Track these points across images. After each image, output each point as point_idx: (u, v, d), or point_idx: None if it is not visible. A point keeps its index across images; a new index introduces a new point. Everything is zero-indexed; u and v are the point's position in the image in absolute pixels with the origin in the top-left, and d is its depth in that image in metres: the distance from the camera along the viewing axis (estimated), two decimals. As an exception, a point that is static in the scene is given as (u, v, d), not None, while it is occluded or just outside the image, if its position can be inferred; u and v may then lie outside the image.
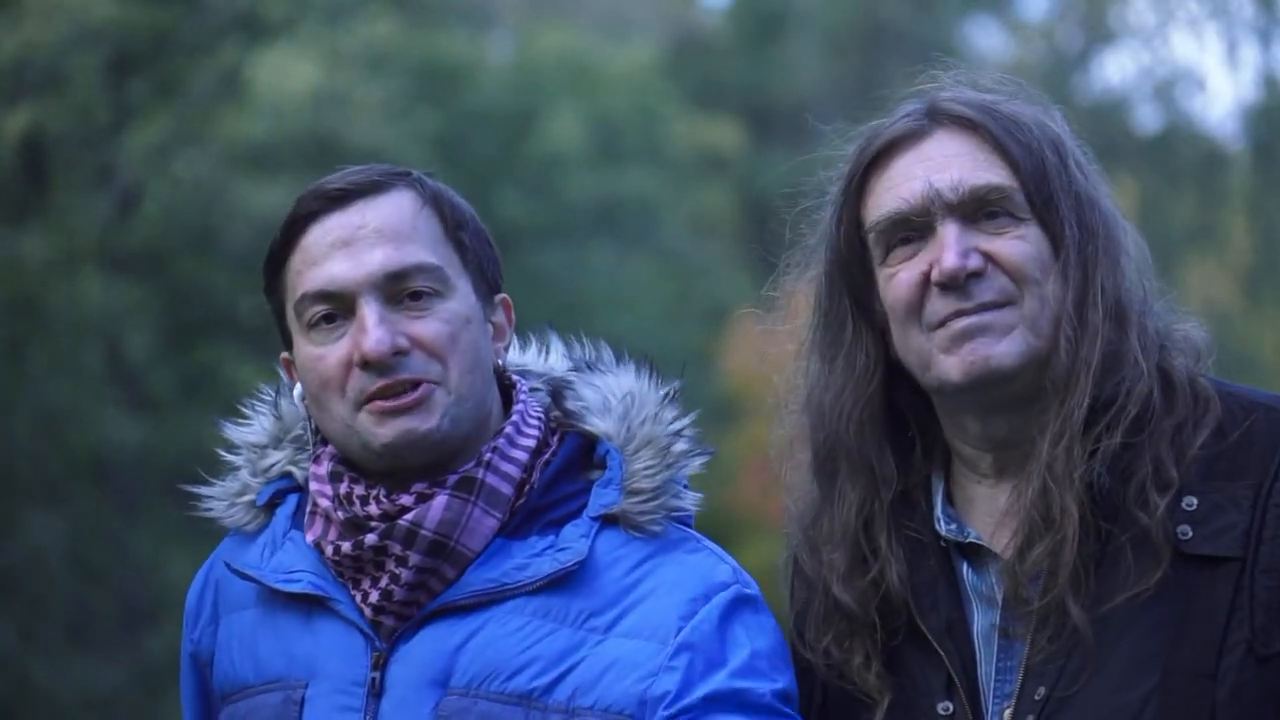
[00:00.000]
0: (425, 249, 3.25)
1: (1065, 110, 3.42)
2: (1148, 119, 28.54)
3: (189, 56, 20.19)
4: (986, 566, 3.30)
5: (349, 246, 3.24)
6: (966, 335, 3.24)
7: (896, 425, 3.39)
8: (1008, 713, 3.22)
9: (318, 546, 3.26)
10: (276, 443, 3.42)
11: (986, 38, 31.08)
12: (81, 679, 18.78)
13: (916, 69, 3.47)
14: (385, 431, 3.20)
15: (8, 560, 18.73)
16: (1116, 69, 29.29)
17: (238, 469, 3.43)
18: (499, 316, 3.35)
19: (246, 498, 3.40)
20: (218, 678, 3.38)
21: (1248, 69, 27.57)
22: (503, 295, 3.37)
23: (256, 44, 20.38)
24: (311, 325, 3.25)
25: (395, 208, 3.27)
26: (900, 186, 3.30)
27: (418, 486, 3.22)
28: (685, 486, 3.33)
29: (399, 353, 3.19)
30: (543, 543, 3.23)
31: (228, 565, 3.34)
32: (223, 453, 3.44)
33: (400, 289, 3.22)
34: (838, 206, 3.37)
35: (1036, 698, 3.20)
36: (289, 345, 3.33)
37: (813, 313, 3.43)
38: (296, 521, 3.35)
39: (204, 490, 3.43)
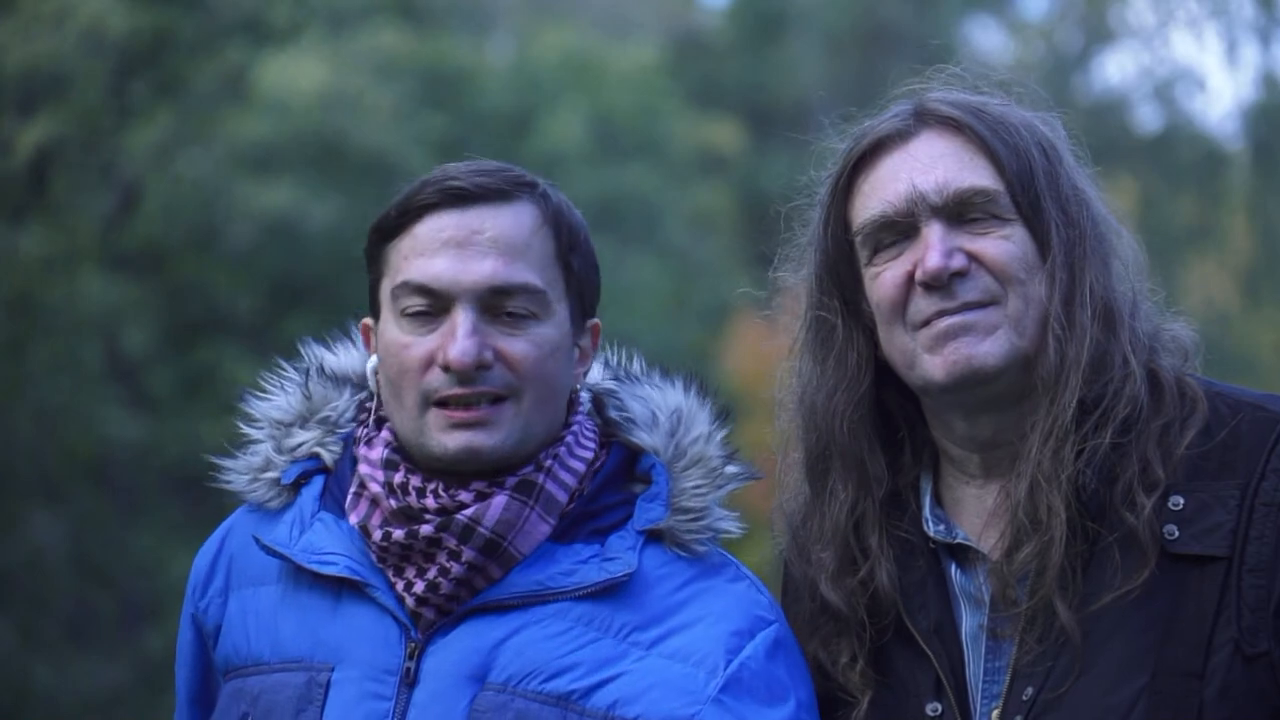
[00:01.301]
0: (534, 269, 3.24)
1: (1065, 110, 3.42)
2: (1148, 119, 28.54)
3: (191, 56, 20.19)
4: (974, 567, 3.31)
5: (461, 249, 3.23)
6: (950, 335, 3.25)
7: (885, 425, 3.40)
8: (995, 713, 3.23)
9: (364, 530, 3.25)
10: (303, 422, 3.41)
11: (986, 38, 31.07)
12: (82, 678, 18.79)
13: (919, 69, 3.48)
14: (450, 441, 3.20)
15: (8, 559, 18.74)
16: (1116, 69, 29.30)
17: (258, 443, 3.42)
18: (586, 341, 3.36)
19: (270, 474, 3.39)
20: (224, 649, 3.36)
21: (1248, 69, 27.59)
22: (594, 320, 3.37)
23: (262, 49, 20.39)
24: (404, 313, 3.25)
25: (515, 220, 3.26)
26: (885, 188, 3.31)
27: (476, 485, 3.22)
28: (721, 507, 3.34)
29: (482, 366, 3.20)
30: (588, 550, 3.24)
31: (257, 540, 3.32)
32: (243, 425, 3.43)
33: (499, 304, 3.22)
34: (825, 208, 3.39)
35: (1024, 698, 3.20)
36: (375, 315, 3.33)
37: (803, 312, 3.44)
38: (325, 503, 3.34)
39: (225, 462, 3.43)
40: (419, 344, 3.23)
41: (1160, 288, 3.42)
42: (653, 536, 3.27)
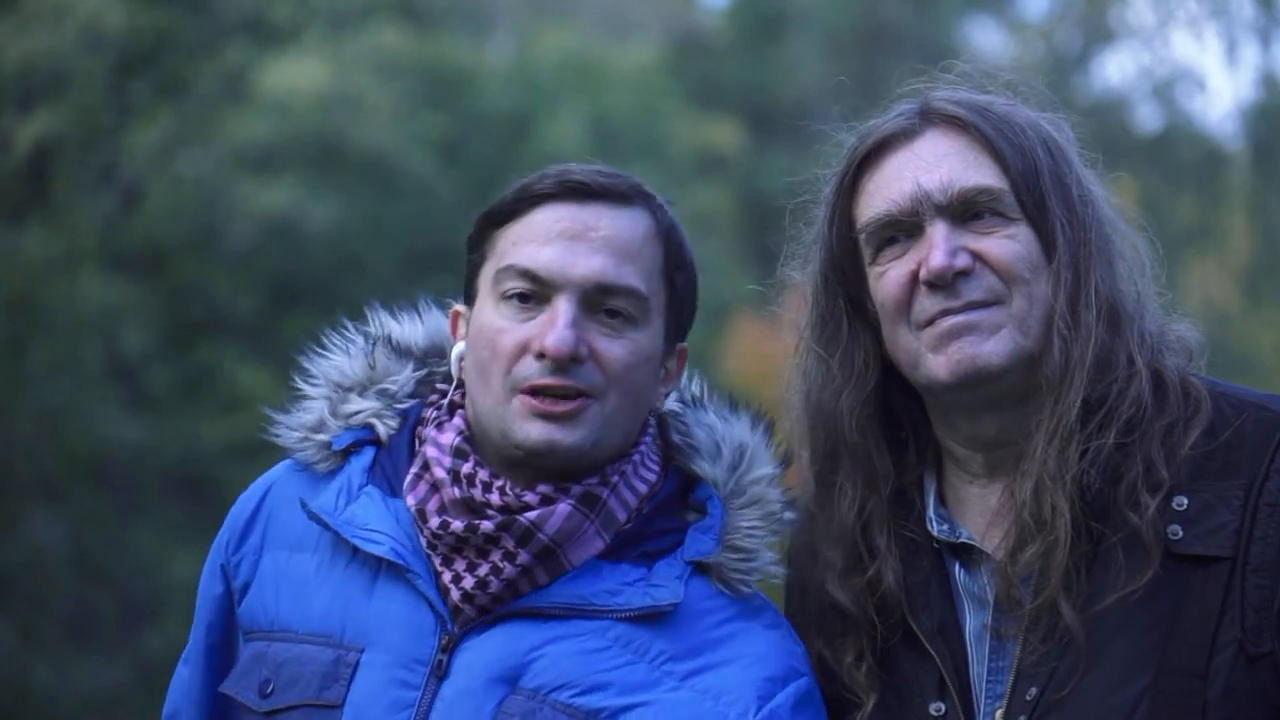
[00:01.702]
0: (641, 276, 3.25)
1: (1065, 110, 3.42)
2: (1148, 119, 28.53)
3: (192, 57, 20.19)
4: (978, 567, 3.31)
5: (573, 241, 3.23)
6: (953, 334, 3.25)
7: (890, 424, 3.40)
8: (999, 713, 3.23)
9: (420, 514, 3.23)
10: (362, 390, 3.39)
11: (986, 38, 31.07)
12: (82, 678, 18.78)
13: (921, 69, 3.48)
14: (533, 431, 3.19)
15: (8, 559, 18.73)
16: (1116, 69, 29.28)
17: (313, 401, 3.39)
18: (673, 363, 3.36)
19: (322, 436, 3.37)
20: (250, 608, 3.34)
21: (1248, 69, 27.56)
22: (683, 345, 3.37)
23: (263, 49, 20.39)
24: (505, 296, 3.24)
25: (630, 224, 3.27)
26: (890, 187, 3.31)
27: (543, 488, 3.21)
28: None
29: (576, 359, 3.19)
30: (635, 573, 3.23)
31: (304, 505, 3.29)
32: (300, 380, 3.41)
33: (601, 302, 3.22)
34: (830, 206, 3.38)
35: (1028, 698, 3.20)
36: (468, 299, 3.32)
37: (809, 311, 3.44)
38: (373, 476, 3.31)
39: (279, 415, 3.40)
40: (515, 330, 3.22)
41: (1162, 288, 3.41)
42: (699, 569, 3.26)
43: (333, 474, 3.34)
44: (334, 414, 3.38)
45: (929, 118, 3.33)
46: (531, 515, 3.19)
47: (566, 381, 3.19)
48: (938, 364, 3.26)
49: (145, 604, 19.50)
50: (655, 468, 3.31)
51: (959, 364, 3.25)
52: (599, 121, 23.91)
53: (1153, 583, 3.16)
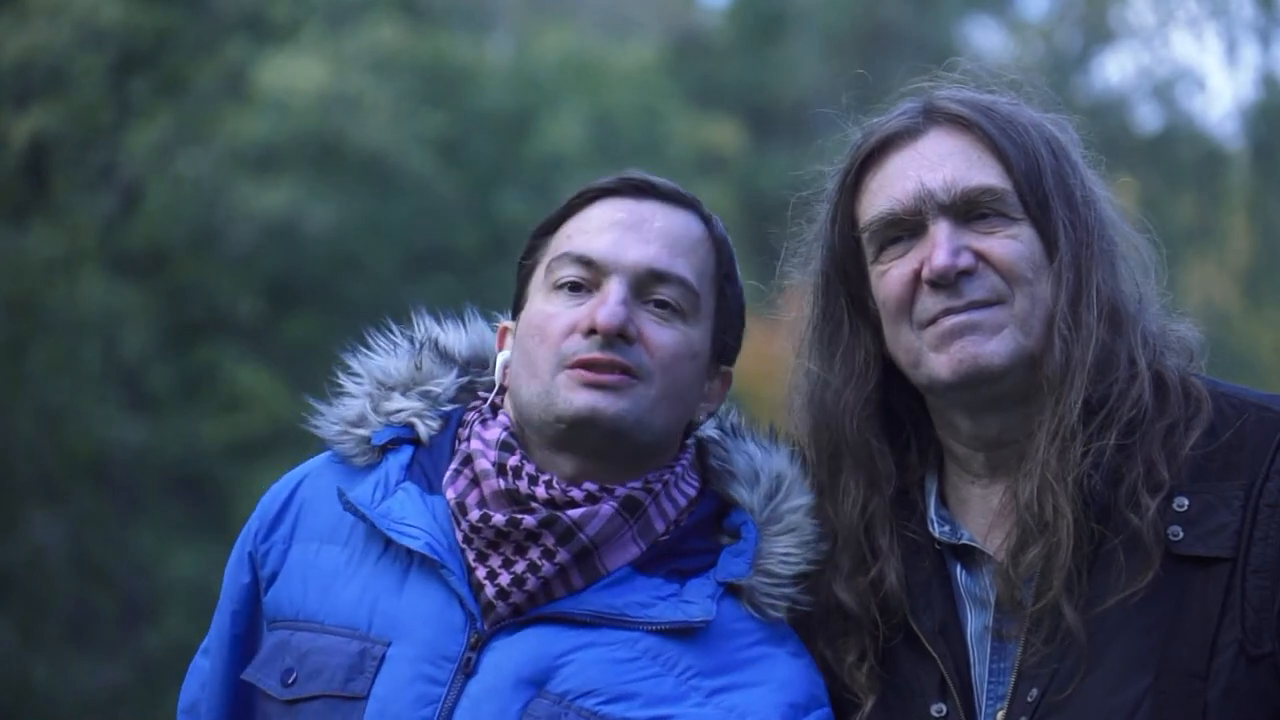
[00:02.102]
0: (693, 271, 3.30)
1: (1066, 110, 3.42)
2: (1148, 119, 28.52)
3: (191, 56, 20.19)
4: (980, 568, 3.31)
5: (628, 231, 3.29)
6: (956, 333, 3.25)
7: (892, 424, 3.40)
8: (1001, 714, 3.23)
9: (460, 507, 3.25)
10: (405, 389, 3.42)
11: (986, 38, 31.06)
12: (82, 678, 18.78)
13: (923, 68, 3.48)
14: (576, 398, 3.21)
15: (8, 559, 18.73)
16: (1116, 69, 29.25)
17: (354, 397, 3.42)
18: (716, 384, 3.39)
19: (362, 431, 3.39)
20: (276, 597, 3.35)
21: (1248, 69, 27.55)
22: (729, 370, 3.40)
23: (262, 46, 20.39)
24: (557, 286, 3.28)
25: (685, 223, 3.34)
26: (893, 186, 3.31)
27: (589, 486, 3.23)
28: None
29: (624, 337, 3.22)
30: (668, 588, 3.25)
31: (341, 495, 3.30)
32: (342, 376, 3.44)
33: (652, 290, 3.27)
34: (833, 204, 3.39)
35: (1029, 699, 3.20)
36: (517, 313, 3.36)
37: (809, 310, 3.44)
38: (410, 474, 3.33)
39: (321, 406, 3.42)
40: (565, 315, 3.27)
41: (1162, 288, 3.41)
42: (730, 590, 3.28)
43: (370, 469, 3.37)
44: (375, 410, 3.41)
45: (933, 116, 3.34)
46: (575, 513, 3.21)
47: (615, 357, 3.22)
48: (939, 363, 3.27)
49: (145, 603, 19.50)
50: (694, 485, 3.34)
51: (961, 363, 3.25)
52: (599, 121, 23.90)
53: (1153, 584, 3.16)
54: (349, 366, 3.44)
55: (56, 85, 19.18)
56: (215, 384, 19.77)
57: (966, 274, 3.26)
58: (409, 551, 3.24)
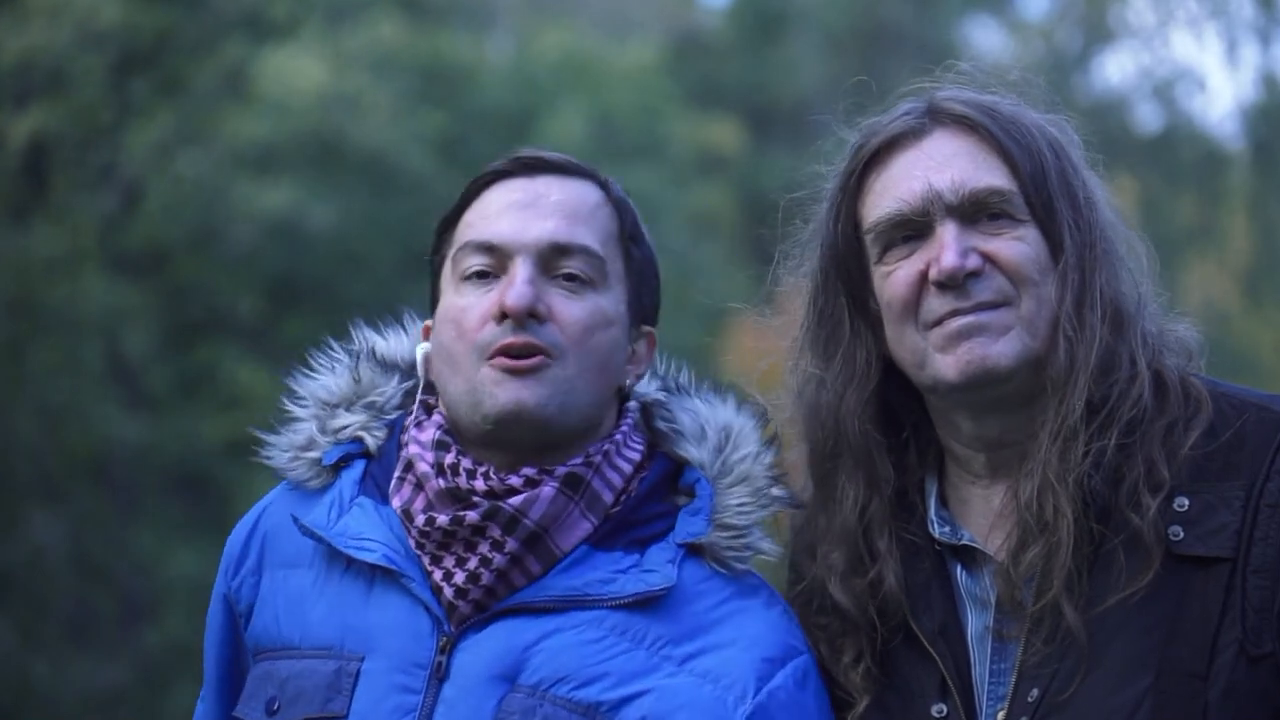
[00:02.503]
0: (595, 237, 3.29)
1: (1065, 110, 3.42)
2: (1148, 119, 28.53)
3: (191, 55, 20.19)
4: (980, 569, 3.31)
5: (525, 210, 3.28)
6: (963, 334, 3.25)
7: (890, 424, 3.40)
8: (1001, 714, 3.23)
9: (406, 514, 3.24)
10: (349, 404, 3.41)
11: (986, 38, 31.05)
12: (82, 677, 18.78)
13: (922, 68, 3.47)
14: (500, 393, 3.19)
15: (8, 559, 18.73)
16: (1116, 69, 29.26)
17: (301, 421, 3.41)
18: (641, 346, 3.37)
19: (312, 454, 3.38)
20: (255, 630, 3.34)
21: (1248, 69, 27.55)
22: (651, 330, 3.39)
23: (261, 45, 20.38)
24: (465, 277, 3.28)
25: (580, 191, 3.32)
26: (900, 186, 3.30)
27: (526, 470, 3.22)
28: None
29: (535, 316, 3.21)
30: (628, 560, 3.23)
31: (295, 520, 3.30)
32: (287, 402, 3.43)
33: (558, 264, 3.25)
34: (835, 204, 3.38)
35: (1030, 699, 3.20)
36: (434, 310, 3.35)
37: (807, 309, 3.43)
38: (364, 488, 3.33)
39: (268, 437, 3.41)
40: (477, 304, 3.25)
41: (1162, 288, 3.41)
42: (692, 551, 3.26)
43: (325, 490, 3.36)
44: (323, 431, 3.39)
45: (937, 117, 3.33)
46: (515, 501, 3.19)
47: (528, 338, 3.20)
48: (946, 364, 3.26)
49: (145, 603, 19.50)
50: (638, 450, 3.31)
51: (969, 364, 3.24)
52: (599, 121, 23.90)
53: (1154, 583, 3.16)
54: (294, 391, 3.43)
55: (56, 85, 19.18)
56: (215, 383, 19.77)
57: (974, 275, 3.25)
58: (371, 565, 3.23)
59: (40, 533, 18.95)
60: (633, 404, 3.36)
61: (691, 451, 3.32)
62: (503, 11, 27.15)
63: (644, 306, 3.37)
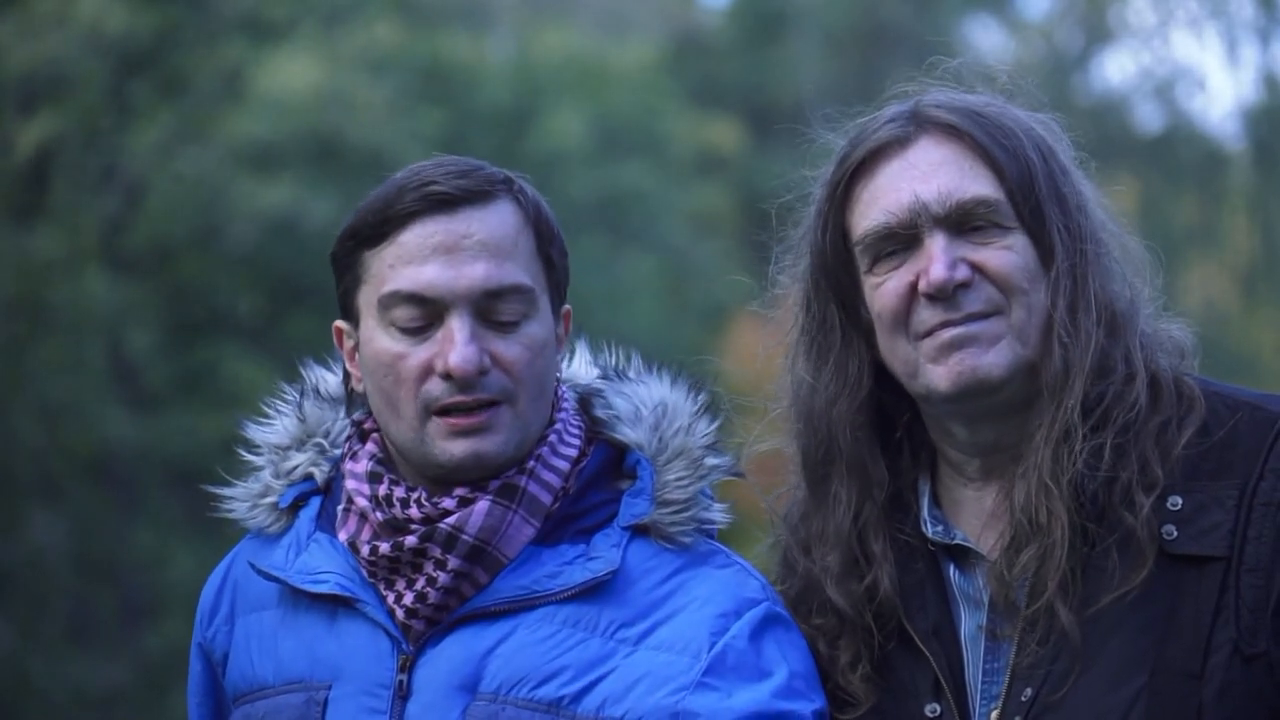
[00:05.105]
0: (522, 269, 3.22)
1: (1064, 111, 3.41)
2: (1148, 119, 28.50)
3: (192, 55, 20.19)
4: (973, 568, 3.31)
5: (450, 254, 3.20)
6: (954, 345, 3.24)
7: (884, 427, 3.40)
8: (994, 714, 3.23)
9: (352, 546, 3.25)
10: (299, 445, 3.41)
11: (986, 38, 31.04)
12: (82, 677, 18.79)
13: (921, 68, 3.46)
14: (455, 449, 3.18)
15: (8, 559, 18.74)
16: (1116, 69, 29.26)
17: (260, 470, 3.42)
18: (560, 329, 3.34)
19: (269, 500, 3.39)
20: (232, 677, 3.37)
21: (1248, 69, 27.53)
22: (566, 307, 3.35)
23: (260, 45, 20.39)
24: (395, 324, 3.22)
25: (500, 221, 3.23)
26: (886, 198, 3.29)
27: (459, 491, 3.21)
28: (711, 498, 3.33)
29: (482, 372, 3.18)
30: (574, 551, 3.23)
31: (252, 565, 3.33)
32: (244, 453, 3.43)
33: (494, 309, 3.20)
34: (823, 214, 3.36)
35: (1023, 699, 3.20)
36: (348, 316, 3.30)
37: (799, 318, 3.43)
38: (321, 524, 3.34)
39: (225, 491, 3.42)
40: (414, 354, 3.20)
41: (1160, 288, 3.42)
42: (639, 531, 3.25)
43: (285, 532, 3.38)
44: (276, 475, 3.40)
45: (922, 124, 3.31)
46: (451, 520, 3.18)
47: (479, 396, 3.18)
48: (938, 375, 3.26)
49: (145, 602, 19.50)
50: (575, 442, 3.30)
51: (960, 375, 3.24)
52: (599, 121, 23.90)
53: (1147, 583, 3.16)
54: (250, 442, 3.43)
55: (60, 91, 19.19)
56: (217, 381, 19.76)
57: (963, 286, 3.24)
58: (332, 596, 3.25)
59: (40, 532, 18.95)
60: (566, 391, 3.36)
61: (629, 434, 3.30)
62: (502, 11, 27.14)
63: (561, 295, 3.33)
